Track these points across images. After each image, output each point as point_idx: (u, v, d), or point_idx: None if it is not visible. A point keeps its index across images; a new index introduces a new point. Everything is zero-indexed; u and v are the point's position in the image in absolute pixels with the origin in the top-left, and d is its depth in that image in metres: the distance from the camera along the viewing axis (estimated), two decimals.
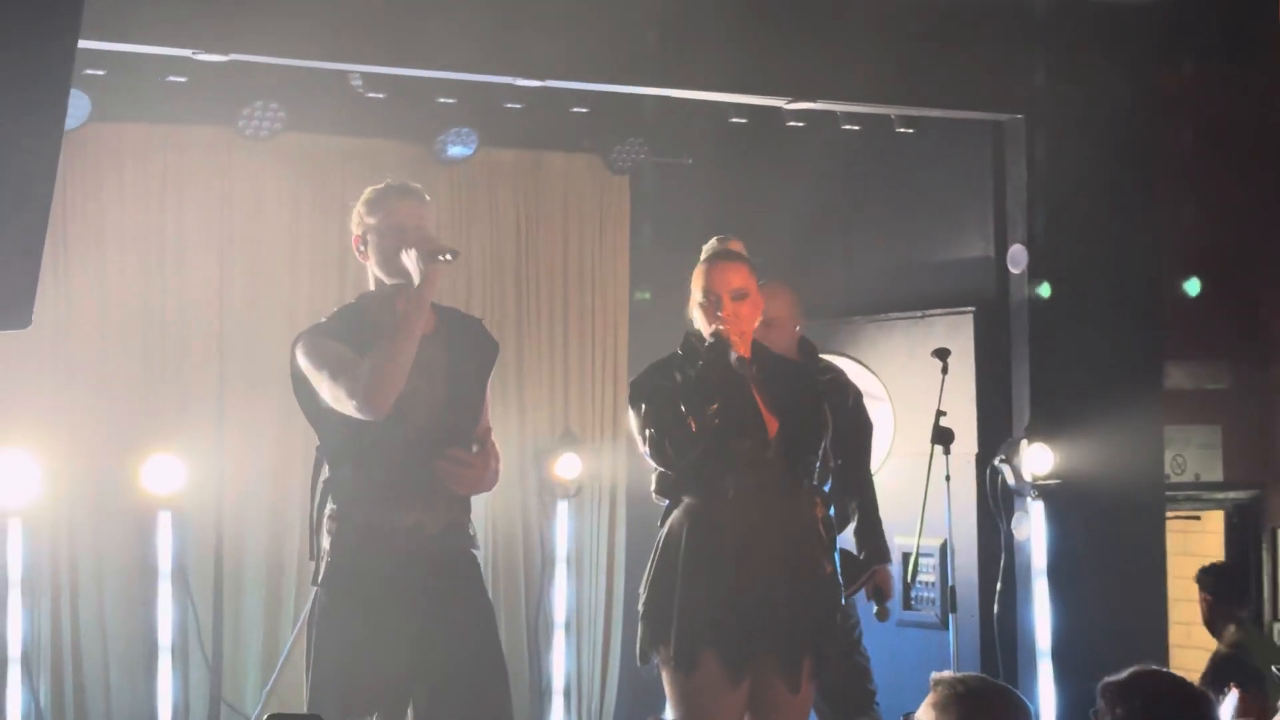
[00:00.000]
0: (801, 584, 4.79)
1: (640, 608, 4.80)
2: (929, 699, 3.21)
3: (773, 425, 4.75)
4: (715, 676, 4.65)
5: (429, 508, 4.40)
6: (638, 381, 4.79)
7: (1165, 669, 3.55)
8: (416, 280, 4.32)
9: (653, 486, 4.80)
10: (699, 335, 4.79)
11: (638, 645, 4.82)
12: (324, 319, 4.52)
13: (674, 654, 4.67)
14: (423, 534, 4.39)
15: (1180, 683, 3.45)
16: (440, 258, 4.35)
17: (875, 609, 5.56)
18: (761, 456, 4.72)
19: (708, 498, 4.69)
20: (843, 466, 5.48)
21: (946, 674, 3.23)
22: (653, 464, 4.78)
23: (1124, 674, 3.43)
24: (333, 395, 4.32)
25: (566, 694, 7.21)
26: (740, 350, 4.70)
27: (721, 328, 4.67)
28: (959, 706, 3.12)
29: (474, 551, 4.58)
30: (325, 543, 4.43)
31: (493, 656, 4.53)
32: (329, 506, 4.42)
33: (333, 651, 4.35)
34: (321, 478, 4.51)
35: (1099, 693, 3.43)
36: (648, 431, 4.66)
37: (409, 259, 4.33)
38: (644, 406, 4.70)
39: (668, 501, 4.82)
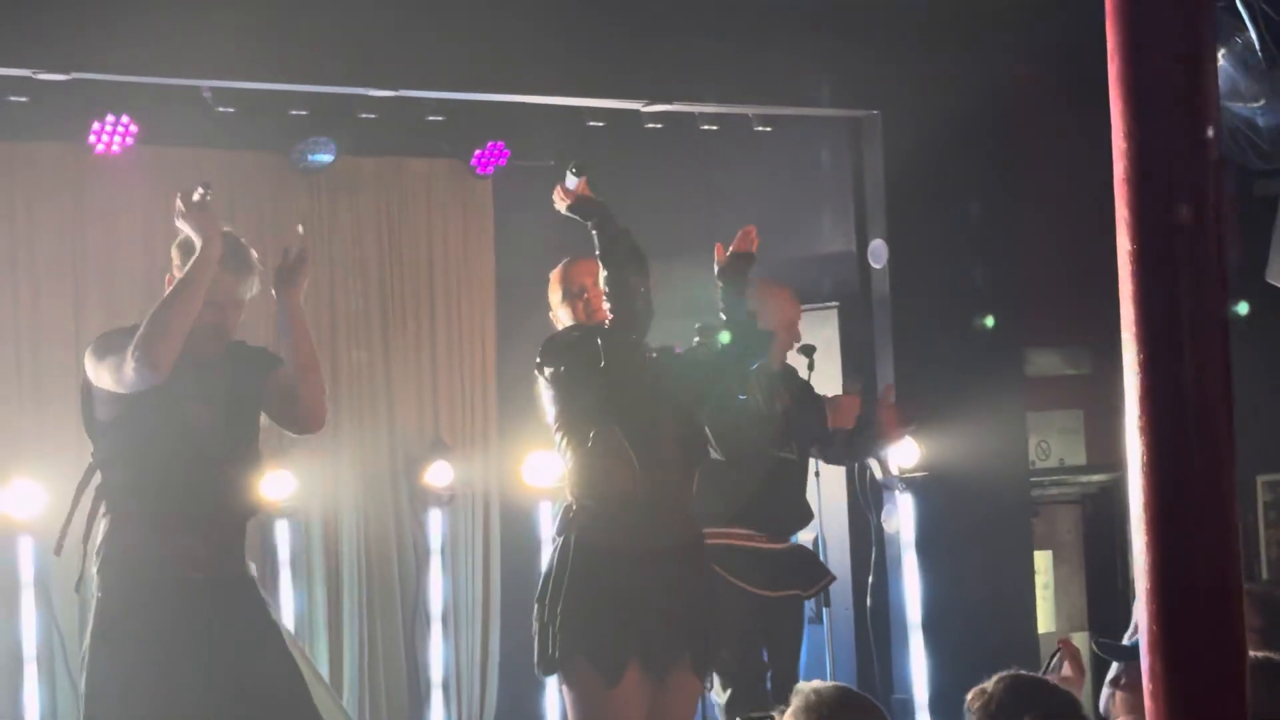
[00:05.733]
0: (702, 578, 4.78)
1: (551, 617, 4.61)
2: (789, 709, 3.20)
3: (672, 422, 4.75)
4: (636, 685, 4.57)
5: (198, 531, 4.30)
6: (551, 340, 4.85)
7: (1030, 673, 3.59)
8: (198, 240, 4.28)
9: (570, 487, 4.72)
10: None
11: (544, 657, 4.64)
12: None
13: (599, 666, 4.54)
14: (193, 560, 4.28)
15: (1043, 684, 3.50)
16: (197, 192, 4.29)
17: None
18: (663, 453, 4.70)
19: (618, 500, 4.63)
20: None
21: (807, 684, 3.21)
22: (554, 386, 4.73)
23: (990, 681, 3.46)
24: (114, 372, 4.25)
25: (445, 689, 7.16)
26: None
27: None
28: (810, 718, 3.11)
29: (249, 574, 4.49)
30: (95, 574, 4.32)
31: (287, 673, 4.43)
32: (98, 537, 4.32)
33: (111, 696, 4.24)
34: (93, 483, 4.42)
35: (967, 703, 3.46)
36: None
37: (181, 222, 4.29)
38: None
39: (565, 505, 4.74)
